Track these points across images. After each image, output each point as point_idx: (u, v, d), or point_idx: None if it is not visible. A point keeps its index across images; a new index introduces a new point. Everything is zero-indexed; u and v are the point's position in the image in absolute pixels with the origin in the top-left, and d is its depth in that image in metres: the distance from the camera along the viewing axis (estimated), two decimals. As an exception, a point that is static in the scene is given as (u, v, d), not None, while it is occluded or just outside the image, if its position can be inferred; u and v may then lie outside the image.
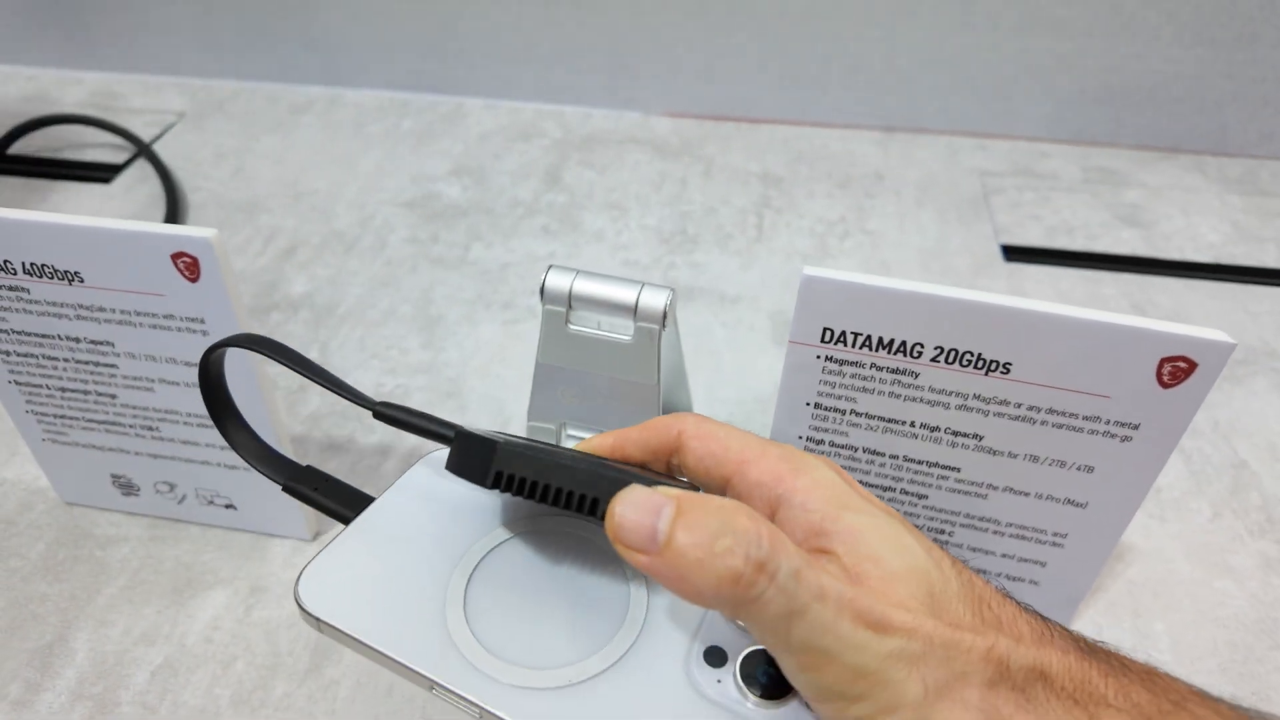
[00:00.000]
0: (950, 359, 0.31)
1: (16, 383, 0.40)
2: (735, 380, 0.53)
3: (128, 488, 0.43)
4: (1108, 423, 0.32)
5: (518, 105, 0.82)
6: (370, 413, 0.27)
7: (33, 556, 0.42)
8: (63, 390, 0.39)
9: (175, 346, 0.36)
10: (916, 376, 0.32)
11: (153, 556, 0.42)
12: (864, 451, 0.35)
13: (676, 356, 0.37)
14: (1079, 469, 0.33)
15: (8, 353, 0.39)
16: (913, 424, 0.34)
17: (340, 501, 0.27)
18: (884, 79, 0.77)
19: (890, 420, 0.34)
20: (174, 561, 0.42)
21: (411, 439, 0.48)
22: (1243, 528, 0.45)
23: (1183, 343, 0.29)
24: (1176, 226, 0.68)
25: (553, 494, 0.23)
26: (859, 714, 0.20)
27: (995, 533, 0.36)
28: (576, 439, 0.38)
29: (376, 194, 0.69)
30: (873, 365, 0.32)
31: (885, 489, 0.36)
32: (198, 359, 0.35)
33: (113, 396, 0.39)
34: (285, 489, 0.29)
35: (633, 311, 0.33)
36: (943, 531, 0.37)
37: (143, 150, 0.72)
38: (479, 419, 0.50)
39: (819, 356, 0.32)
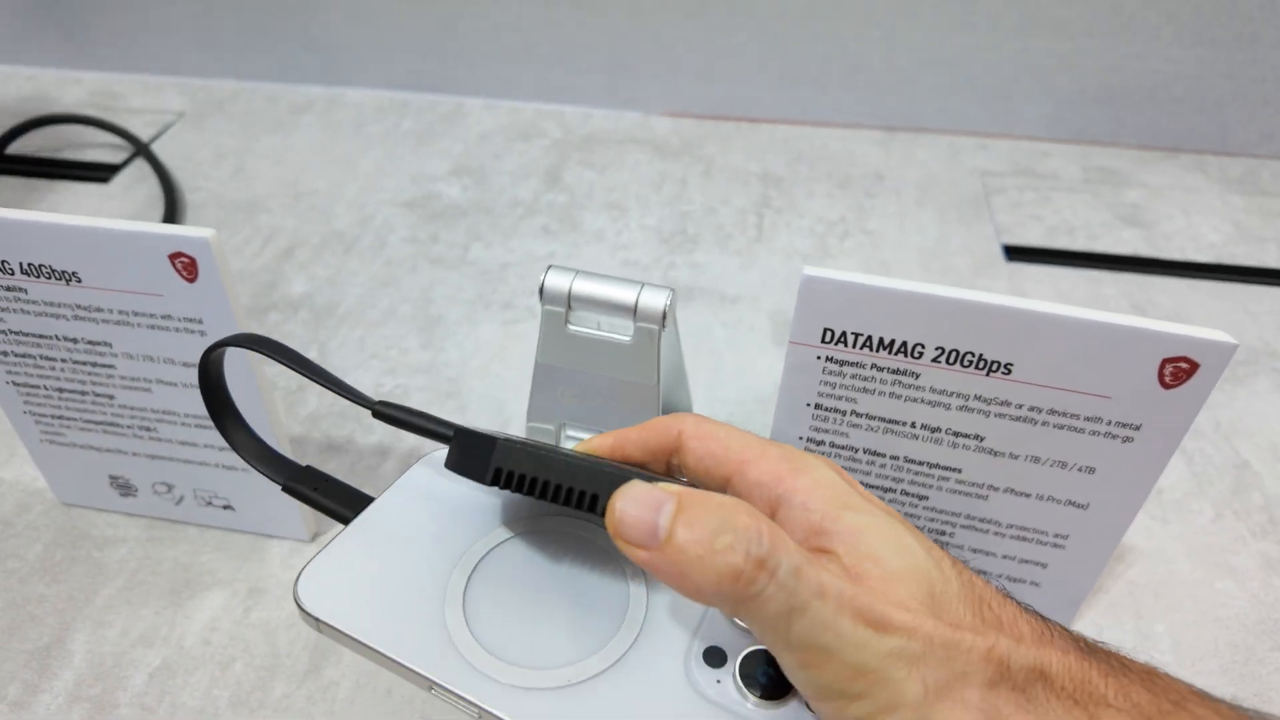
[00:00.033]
0: (951, 359, 0.31)
1: (14, 383, 0.40)
2: (735, 380, 0.53)
3: (126, 488, 0.43)
4: (1109, 423, 0.31)
5: (518, 105, 0.82)
6: (369, 412, 0.27)
7: (30, 558, 0.42)
8: (60, 391, 0.39)
9: (173, 347, 0.36)
10: (917, 377, 0.32)
11: (151, 557, 0.42)
12: (864, 452, 0.35)
13: (676, 357, 0.37)
14: (1080, 470, 0.33)
15: (5, 353, 0.38)
16: (913, 425, 0.33)
17: (340, 501, 0.27)
18: (884, 79, 0.77)
19: (891, 421, 0.34)
20: (172, 562, 0.42)
21: (410, 440, 0.48)
22: (1244, 529, 0.45)
23: (1184, 343, 0.29)
24: (1177, 226, 0.67)
25: (552, 490, 0.23)
26: (859, 713, 0.20)
27: (996, 534, 0.36)
28: (576, 439, 0.38)
29: (376, 194, 0.69)
30: (873, 366, 0.32)
31: (886, 490, 0.36)
32: (195, 359, 0.35)
33: (110, 397, 0.39)
34: (285, 489, 0.29)
35: (632, 312, 0.33)
36: (943, 533, 0.37)
37: (141, 150, 0.72)
38: (478, 419, 0.50)
39: (819, 357, 0.32)
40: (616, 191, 0.70)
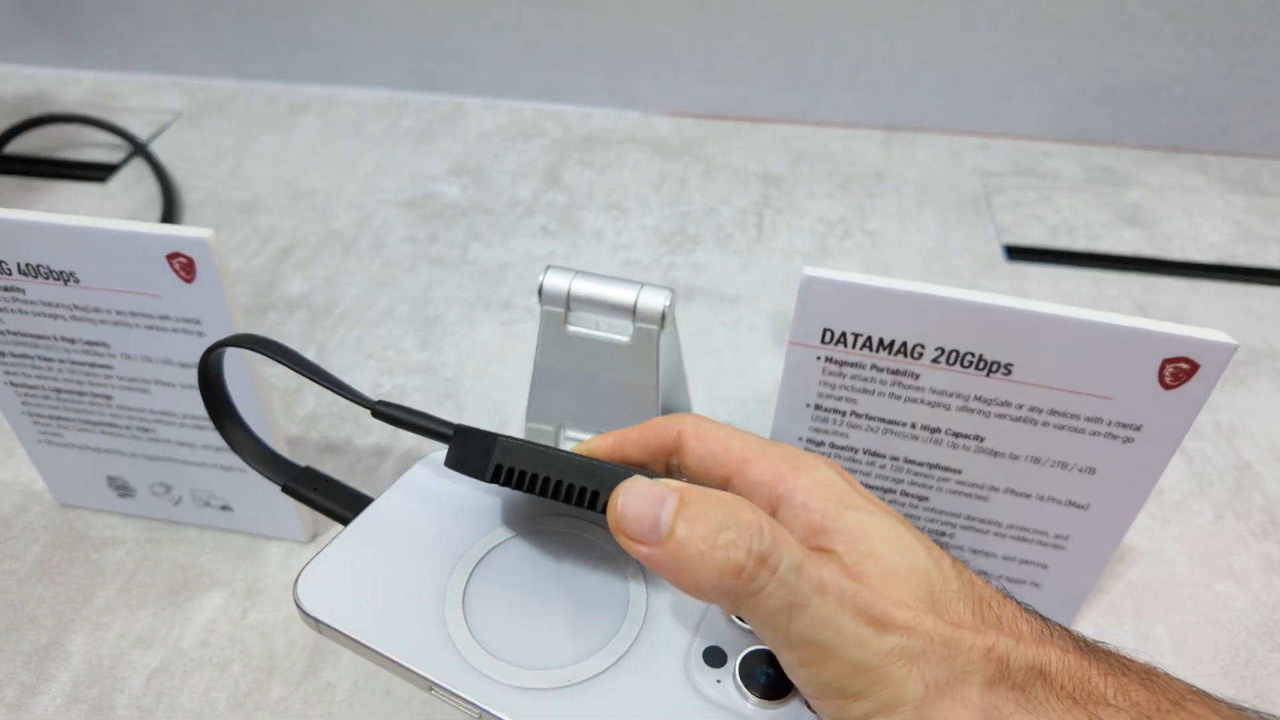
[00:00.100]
0: (951, 360, 0.31)
1: (12, 384, 0.39)
2: (735, 380, 0.53)
3: (124, 489, 0.43)
4: (1109, 424, 0.31)
5: (517, 104, 0.82)
6: (368, 413, 0.27)
7: (28, 559, 0.42)
8: (58, 391, 0.39)
9: (171, 347, 0.36)
10: (917, 378, 0.32)
11: (149, 558, 0.42)
12: (864, 453, 0.35)
13: (676, 357, 0.37)
14: (1080, 470, 0.33)
15: (3, 354, 0.38)
16: (913, 425, 0.33)
17: (339, 502, 0.27)
18: (885, 78, 0.77)
19: (891, 422, 0.33)
20: (170, 563, 0.42)
21: (409, 440, 0.48)
22: (1245, 529, 0.45)
23: (1185, 344, 0.29)
24: (1178, 226, 0.67)
25: (553, 487, 0.23)
26: (859, 712, 0.20)
27: (996, 535, 0.36)
28: (575, 440, 0.38)
29: (375, 194, 0.69)
30: (873, 366, 0.32)
31: (886, 491, 0.36)
32: (193, 360, 0.35)
33: (108, 398, 0.39)
34: (284, 490, 0.28)
35: (631, 312, 0.33)
36: (944, 533, 0.37)
37: (139, 150, 0.72)
38: (477, 420, 0.50)
39: (819, 357, 0.32)
40: (616, 191, 0.70)
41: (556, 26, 0.78)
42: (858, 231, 0.66)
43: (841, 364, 0.32)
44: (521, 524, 0.26)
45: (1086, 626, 0.40)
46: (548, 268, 0.34)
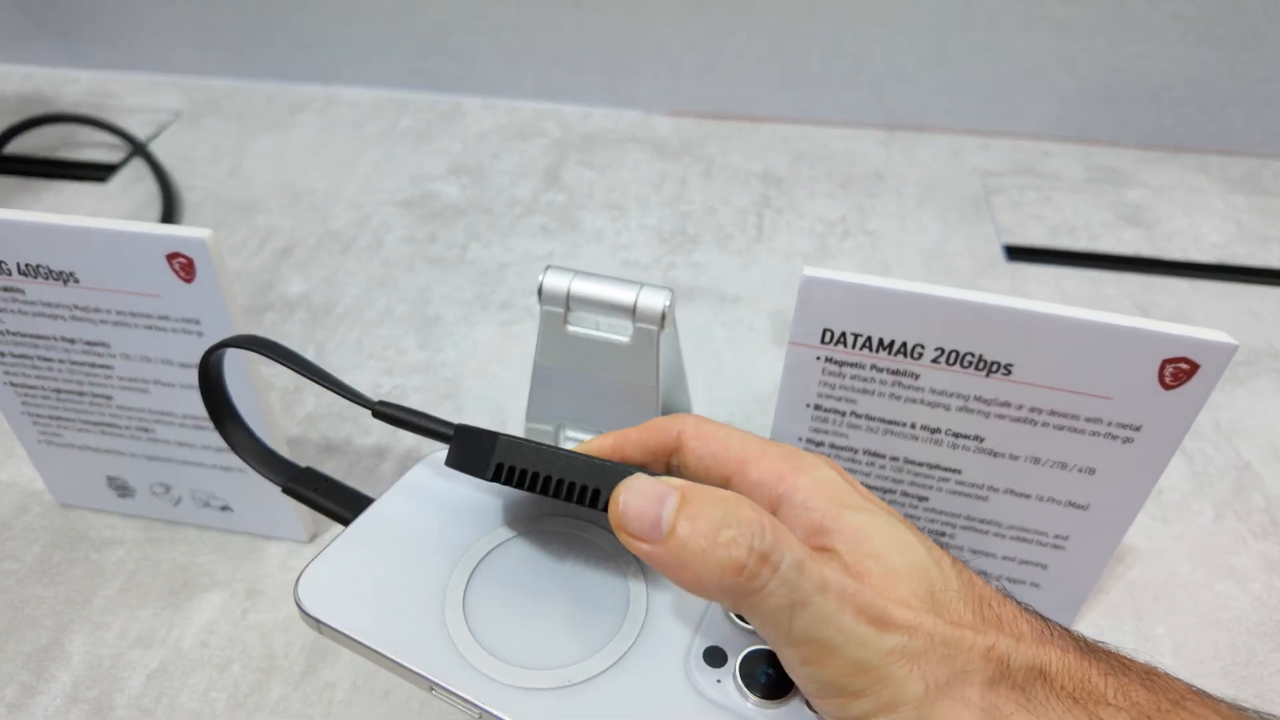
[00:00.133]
0: (951, 360, 0.31)
1: (11, 384, 0.39)
2: (735, 380, 0.53)
3: (123, 490, 0.43)
4: (1109, 424, 0.31)
5: (516, 104, 0.82)
6: (368, 413, 0.27)
7: (28, 559, 0.42)
8: (58, 392, 0.39)
9: (170, 347, 0.36)
10: (917, 378, 0.32)
11: (148, 559, 0.42)
12: (864, 453, 0.35)
13: (675, 357, 0.37)
14: (1080, 471, 0.33)
15: (2, 354, 0.38)
16: (913, 426, 0.33)
17: (339, 503, 0.27)
18: (885, 78, 0.77)
19: (891, 422, 0.33)
20: (170, 564, 0.42)
21: (409, 441, 0.48)
22: (1245, 530, 0.45)
23: (1185, 344, 0.29)
24: (1179, 226, 0.67)
25: (554, 485, 0.23)
26: (860, 711, 0.20)
27: (996, 535, 0.36)
28: (575, 440, 0.38)
29: (374, 193, 0.69)
30: (873, 366, 0.32)
31: (886, 491, 0.36)
32: (193, 360, 0.35)
33: (108, 398, 0.39)
34: (285, 490, 0.28)
35: (631, 312, 0.33)
36: (943, 534, 0.37)
37: (139, 149, 0.72)
38: (476, 420, 0.50)
39: (819, 357, 0.32)
40: (616, 191, 0.70)
41: (556, 26, 0.78)
42: (858, 231, 0.66)
43: (841, 364, 0.32)
44: (522, 524, 0.26)
45: (1086, 627, 0.40)
46: (547, 268, 0.34)
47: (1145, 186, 0.72)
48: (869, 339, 0.31)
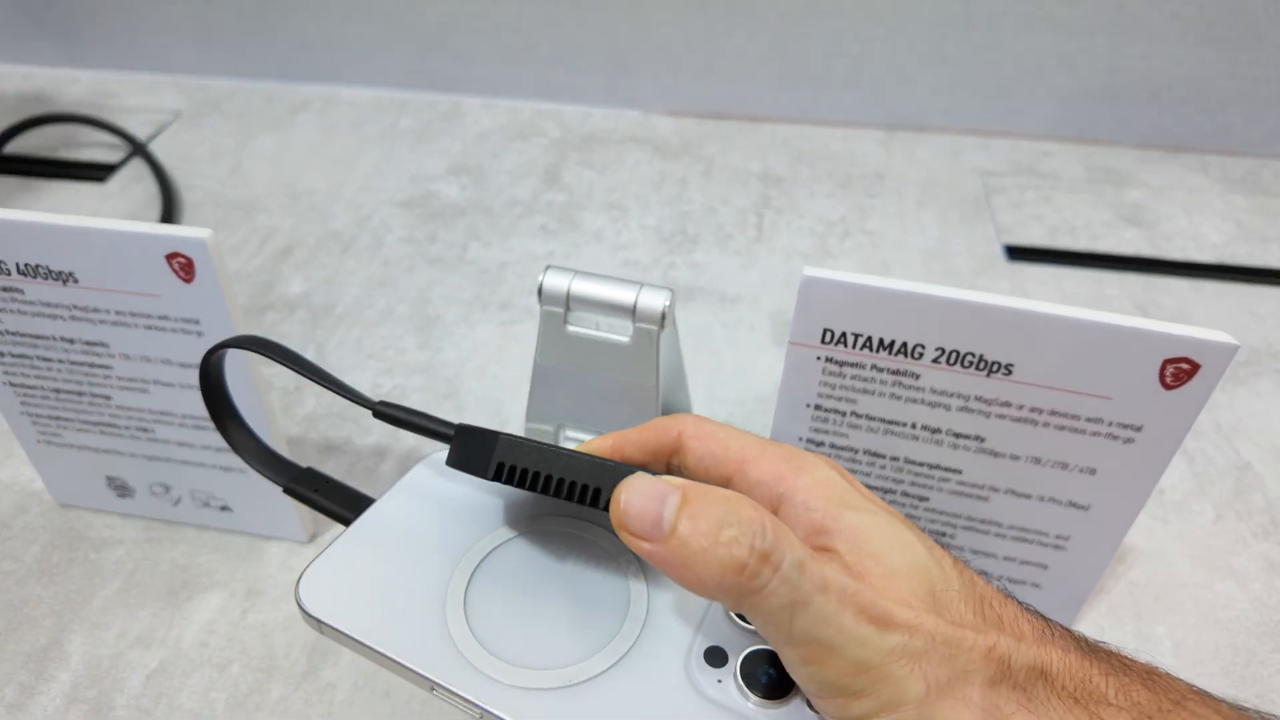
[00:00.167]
0: (951, 360, 0.31)
1: (11, 384, 0.39)
2: (735, 380, 0.53)
3: (123, 490, 0.43)
4: (1110, 424, 0.31)
5: (516, 104, 0.82)
6: (369, 413, 0.27)
7: (27, 559, 0.42)
8: (57, 392, 0.39)
9: (170, 348, 0.36)
10: (917, 378, 0.32)
11: (148, 559, 0.42)
12: (864, 453, 0.35)
13: (675, 357, 0.37)
14: (1081, 471, 0.33)
15: (2, 354, 0.38)
16: (914, 426, 0.33)
17: (340, 503, 0.27)
18: (885, 77, 0.77)
19: (891, 422, 0.33)
20: (169, 564, 0.42)
21: (409, 441, 0.48)
22: (1246, 530, 0.45)
23: (1185, 344, 0.29)
24: (1179, 226, 0.67)
25: (555, 485, 0.23)
26: (861, 710, 0.20)
27: (997, 535, 0.36)
28: (575, 440, 0.38)
29: (374, 193, 0.69)
30: (873, 366, 0.32)
31: (886, 491, 0.36)
32: (192, 360, 0.34)
33: (107, 398, 0.39)
34: (286, 491, 0.28)
35: (631, 312, 0.33)
36: (944, 534, 0.37)
37: (138, 149, 0.72)
38: (476, 420, 0.50)
39: (819, 358, 0.32)
40: (616, 191, 0.70)
41: (556, 26, 0.78)
42: (858, 231, 0.66)
43: (841, 364, 0.32)
44: (523, 524, 0.26)
45: (1087, 627, 0.40)
46: (547, 268, 0.34)
47: (1145, 186, 0.72)
48: (869, 339, 0.31)
